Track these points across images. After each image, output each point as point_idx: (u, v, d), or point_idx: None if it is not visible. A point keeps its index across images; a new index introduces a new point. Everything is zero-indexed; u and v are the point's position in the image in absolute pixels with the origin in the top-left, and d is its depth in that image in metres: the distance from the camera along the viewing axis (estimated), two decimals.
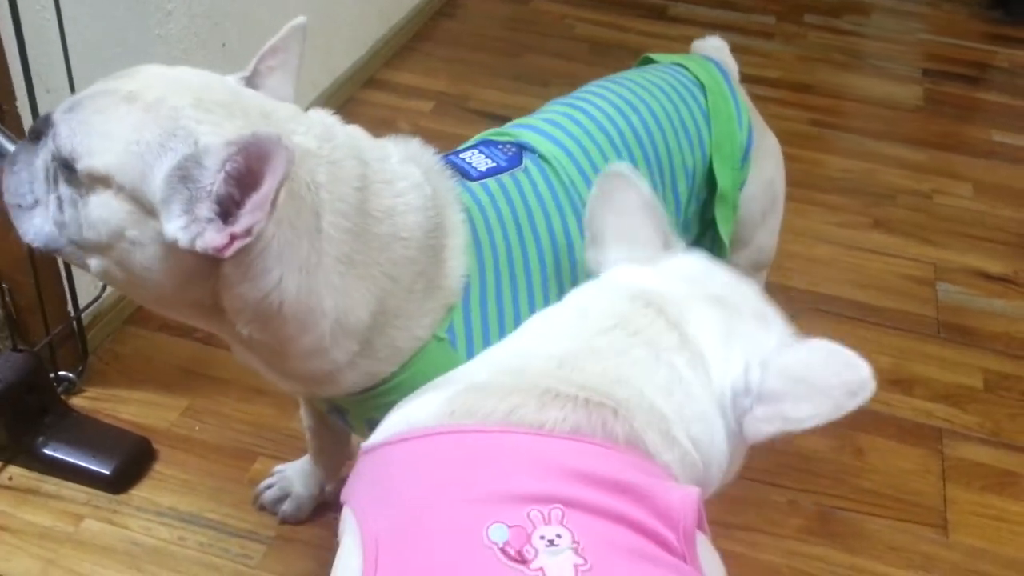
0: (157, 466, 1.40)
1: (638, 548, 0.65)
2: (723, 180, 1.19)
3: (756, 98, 1.32)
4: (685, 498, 0.68)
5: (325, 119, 0.90)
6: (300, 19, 0.95)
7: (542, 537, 0.64)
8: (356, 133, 0.94)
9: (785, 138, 1.36)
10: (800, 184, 2.12)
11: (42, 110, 1.32)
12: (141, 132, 0.79)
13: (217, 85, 0.85)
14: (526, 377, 0.73)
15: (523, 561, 0.63)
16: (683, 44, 2.90)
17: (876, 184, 2.23)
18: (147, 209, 0.80)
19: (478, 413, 0.72)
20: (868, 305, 1.83)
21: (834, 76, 2.72)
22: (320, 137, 0.86)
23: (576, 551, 0.63)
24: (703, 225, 1.25)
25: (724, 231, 1.22)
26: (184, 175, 0.78)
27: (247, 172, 0.76)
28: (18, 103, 1.32)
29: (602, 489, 0.67)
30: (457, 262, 0.96)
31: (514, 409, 0.71)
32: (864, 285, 1.88)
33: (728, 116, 1.20)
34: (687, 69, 1.25)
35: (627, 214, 0.88)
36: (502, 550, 0.63)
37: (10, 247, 1.35)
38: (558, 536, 0.64)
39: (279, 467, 1.38)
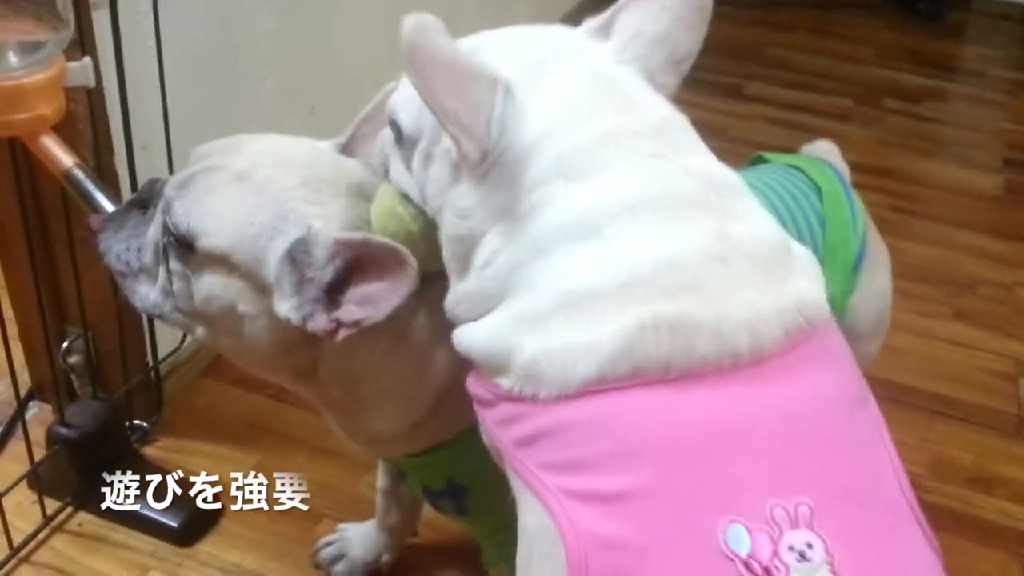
0: (224, 521, 1.40)
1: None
2: (833, 287, 1.16)
3: None
4: None
5: None
6: (392, 84, 0.92)
7: (791, 548, 0.55)
8: None
9: None
10: None
11: (139, 166, 1.36)
12: (255, 215, 0.82)
13: (320, 160, 0.88)
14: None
15: None
16: (760, 123, 2.86)
17: (957, 273, 2.18)
18: (259, 286, 0.83)
19: (681, 364, 0.62)
20: (947, 398, 1.78)
21: (913, 162, 2.68)
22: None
23: (832, 567, 0.55)
24: None
25: None
26: (295, 257, 0.80)
27: (356, 265, 0.79)
28: (116, 157, 1.37)
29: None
30: None
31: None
32: (943, 377, 1.83)
33: (843, 222, 1.17)
34: (802, 171, 1.22)
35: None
36: (745, 564, 0.55)
37: (96, 295, 1.39)
38: (808, 546, 0.55)
39: (343, 525, 1.38)
